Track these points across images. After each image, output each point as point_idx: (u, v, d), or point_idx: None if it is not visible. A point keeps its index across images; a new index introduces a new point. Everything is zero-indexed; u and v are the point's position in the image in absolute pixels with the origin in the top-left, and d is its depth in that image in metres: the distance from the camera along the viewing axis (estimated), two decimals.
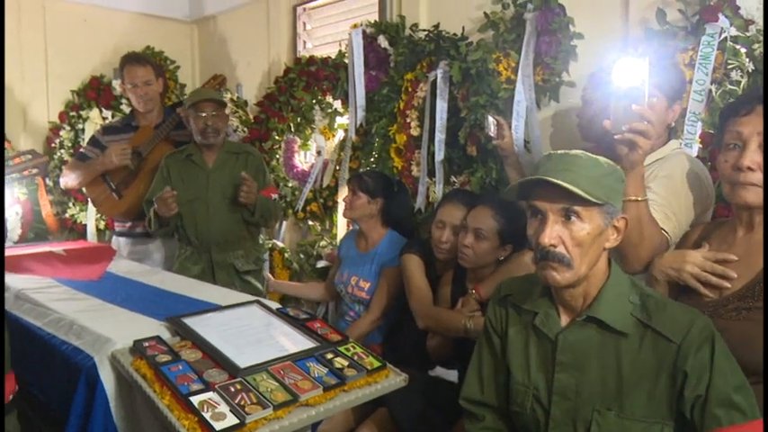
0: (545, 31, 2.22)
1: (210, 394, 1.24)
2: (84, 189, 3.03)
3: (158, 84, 2.92)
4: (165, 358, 1.35)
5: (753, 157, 1.27)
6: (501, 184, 2.33)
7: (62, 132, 3.60)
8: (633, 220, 1.36)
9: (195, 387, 1.25)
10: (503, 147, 2.13)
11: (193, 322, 1.54)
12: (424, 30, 2.69)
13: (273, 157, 3.40)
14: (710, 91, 1.78)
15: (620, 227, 1.23)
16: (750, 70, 1.74)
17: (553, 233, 1.17)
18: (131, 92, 2.88)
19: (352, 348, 1.50)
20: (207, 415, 1.17)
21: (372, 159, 2.91)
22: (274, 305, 1.76)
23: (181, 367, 1.32)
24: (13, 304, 1.80)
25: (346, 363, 1.42)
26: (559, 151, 1.21)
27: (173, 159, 2.69)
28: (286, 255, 3.35)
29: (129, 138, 2.88)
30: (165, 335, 1.51)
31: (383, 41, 2.81)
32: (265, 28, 3.63)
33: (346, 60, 3.02)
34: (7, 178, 2.74)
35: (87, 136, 3.42)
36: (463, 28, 2.55)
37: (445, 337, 2.00)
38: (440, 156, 2.55)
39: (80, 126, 3.60)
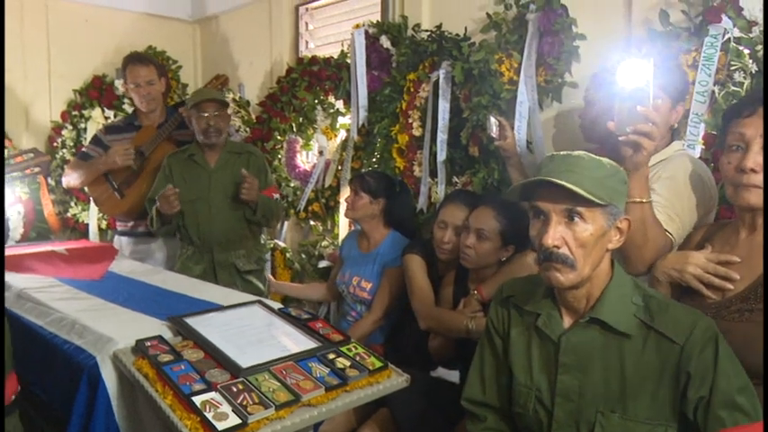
0: (547, 31, 2.22)
1: (213, 394, 1.24)
2: (86, 188, 3.03)
3: (161, 83, 2.93)
4: (167, 358, 1.35)
5: (756, 158, 1.26)
6: (503, 184, 2.33)
7: (64, 132, 3.61)
8: (637, 221, 1.36)
9: (197, 387, 1.25)
10: (505, 147, 2.14)
11: (195, 322, 1.53)
12: (427, 30, 2.69)
13: (275, 157, 3.40)
14: (713, 92, 1.78)
15: (623, 228, 1.22)
16: (753, 71, 1.73)
17: (556, 234, 1.17)
18: (134, 91, 2.88)
19: (353, 349, 1.50)
20: (209, 415, 1.17)
21: (374, 159, 2.91)
22: (276, 305, 1.75)
23: (183, 367, 1.32)
24: (15, 303, 1.80)
25: (348, 363, 1.42)
26: (562, 152, 1.21)
27: (175, 159, 2.69)
28: (288, 255, 3.35)
29: (131, 137, 2.89)
30: (167, 334, 1.51)
31: (385, 42, 2.81)
32: (268, 28, 3.63)
33: (348, 60, 3.02)
34: (9, 177, 2.74)
35: (89, 135, 3.43)
36: (466, 28, 2.55)
37: (447, 337, 2.00)
38: (442, 156, 2.55)
39: (82, 125, 3.61)
